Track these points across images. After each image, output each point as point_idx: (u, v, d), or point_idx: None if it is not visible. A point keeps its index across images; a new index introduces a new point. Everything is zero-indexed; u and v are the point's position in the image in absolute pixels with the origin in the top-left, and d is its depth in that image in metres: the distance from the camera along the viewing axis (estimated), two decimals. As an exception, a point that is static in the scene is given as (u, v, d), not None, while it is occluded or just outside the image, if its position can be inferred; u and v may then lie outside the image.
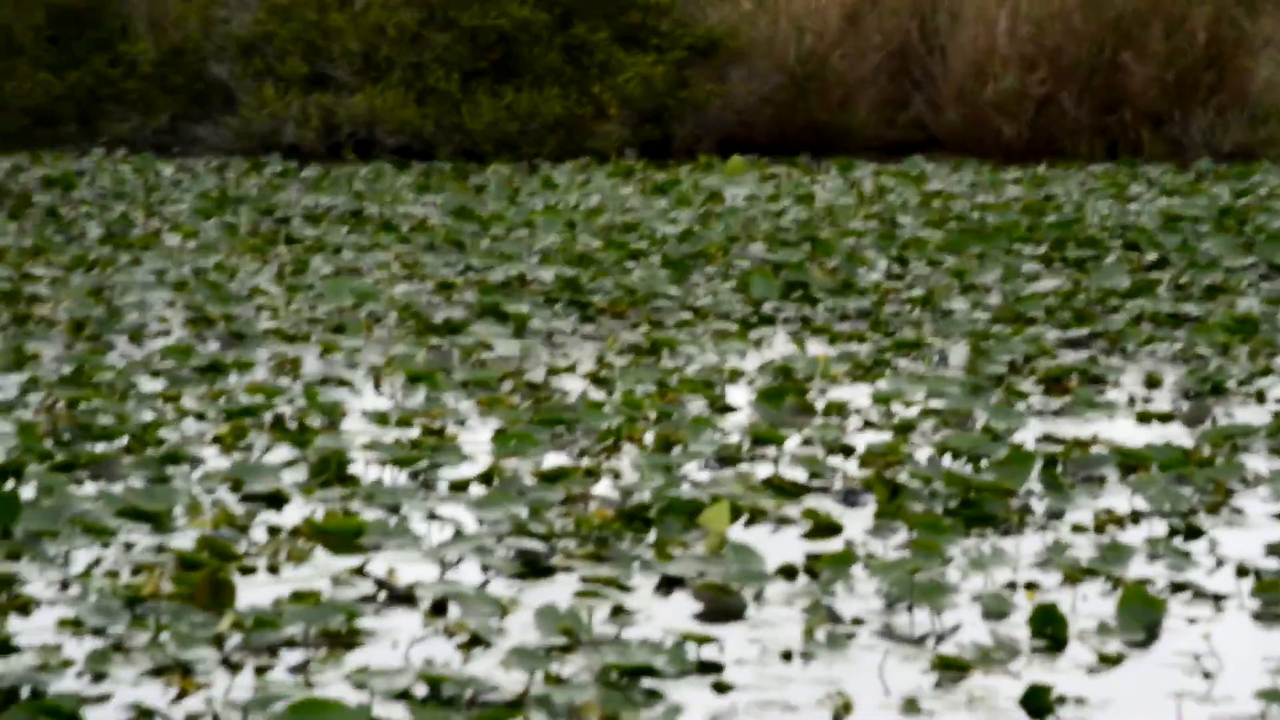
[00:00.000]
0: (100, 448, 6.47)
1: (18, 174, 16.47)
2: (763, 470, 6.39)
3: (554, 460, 6.48)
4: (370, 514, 5.66)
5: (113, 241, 12.00)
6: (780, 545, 5.50)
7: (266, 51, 19.74)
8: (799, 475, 6.34)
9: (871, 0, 20.99)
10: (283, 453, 6.50)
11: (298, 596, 4.68)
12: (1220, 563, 5.29)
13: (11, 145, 19.10)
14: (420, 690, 4.14)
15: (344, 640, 4.50)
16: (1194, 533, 5.59)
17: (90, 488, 5.98)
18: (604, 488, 6.08)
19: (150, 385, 7.56)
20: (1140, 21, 20.21)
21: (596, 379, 7.93)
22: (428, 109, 19.29)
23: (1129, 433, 6.96)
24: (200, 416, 7.01)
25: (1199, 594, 5.02)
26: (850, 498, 6.10)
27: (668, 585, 5.10)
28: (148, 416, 6.91)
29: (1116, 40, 20.14)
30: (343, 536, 5.35)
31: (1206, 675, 4.42)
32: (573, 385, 7.83)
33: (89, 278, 10.42)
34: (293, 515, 5.67)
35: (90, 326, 8.90)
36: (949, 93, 20.20)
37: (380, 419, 7.01)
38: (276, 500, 5.83)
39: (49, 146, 19.18)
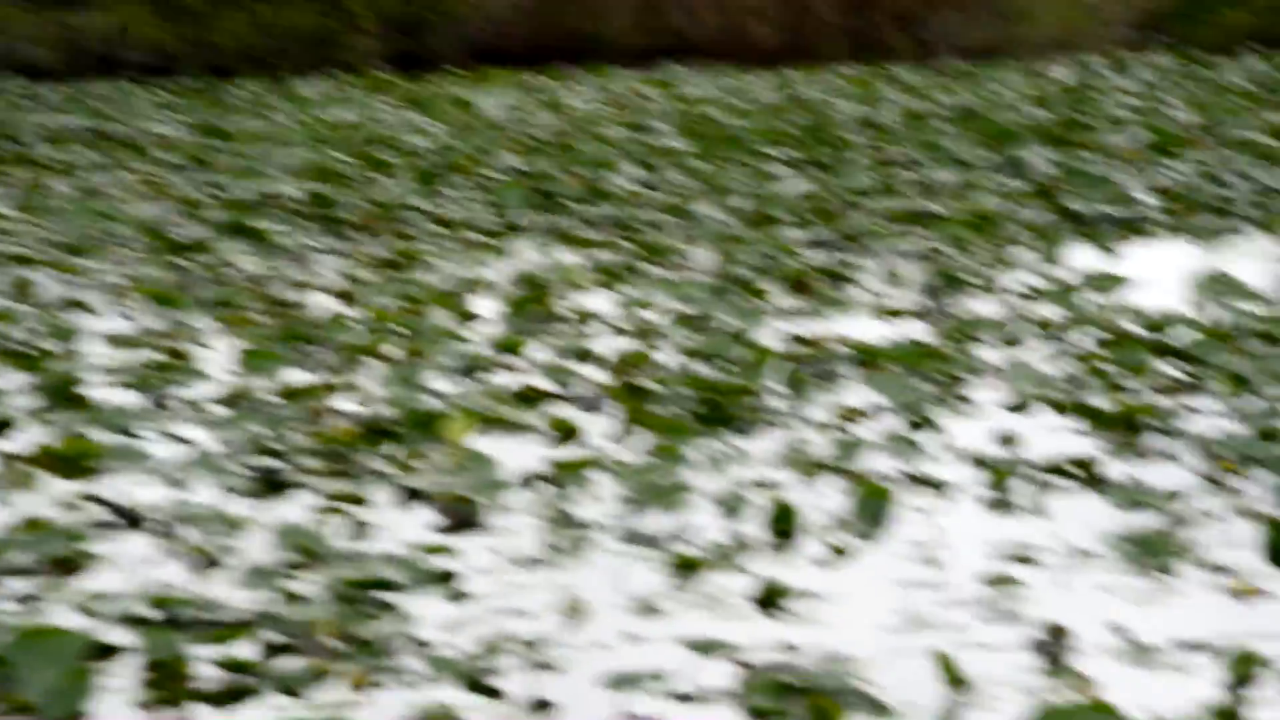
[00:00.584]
0: None
1: None
2: (507, 379, 6.39)
3: (298, 377, 6.42)
4: (103, 438, 5.57)
5: None
6: (522, 453, 5.51)
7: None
8: (543, 383, 6.35)
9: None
10: (14, 378, 6.37)
11: (22, 524, 4.59)
12: (950, 453, 5.39)
13: None
14: (151, 614, 4.09)
15: (71, 566, 4.44)
16: (925, 424, 5.69)
17: None
18: (347, 402, 6.04)
19: None
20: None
21: (343, 294, 7.87)
22: (174, 25, 18.96)
23: (870, 329, 7.05)
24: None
25: (929, 484, 5.11)
26: (593, 403, 6.12)
27: (408, 498, 5.08)
28: None
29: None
30: (71, 461, 5.26)
31: (933, 563, 4.50)
32: (320, 302, 7.76)
33: None
34: (21, 442, 5.56)
35: None
36: (703, 1, 20.28)
37: (118, 341, 6.90)
38: (2, 426, 5.71)
39: None
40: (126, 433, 5.67)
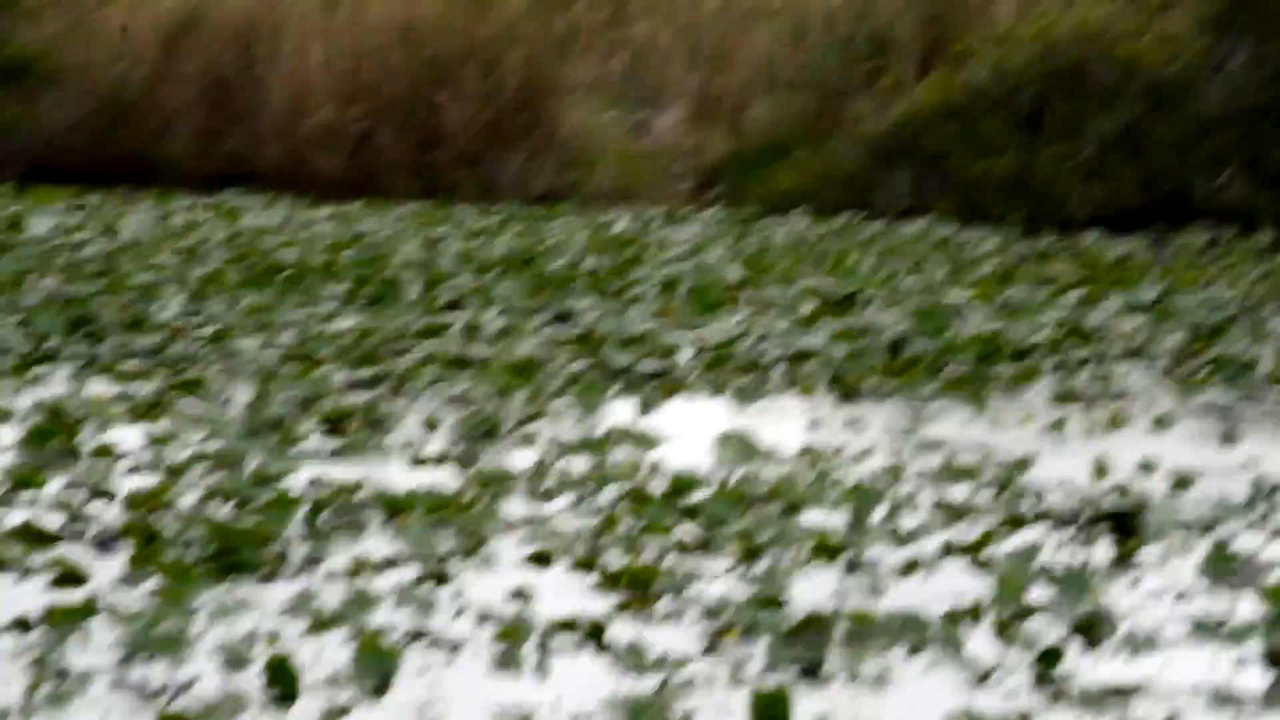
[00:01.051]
0: None
1: None
2: (17, 516, 6.18)
3: None
4: None
5: None
6: (21, 596, 5.32)
7: None
8: (55, 521, 6.16)
9: (189, 27, 20.74)
10: None
11: None
12: (462, 610, 5.36)
13: None
14: None
15: None
16: (442, 578, 5.66)
17: None
18: None
19: None
20: (457, 61, 20.53)
21: None
22: None
23: (402, 477, 7.01)
24: None
25: (436, 641, 5.07)
26: (104, 545, 5.95)
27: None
28: None
29: (434, 79, 20.42)
30: None
31: (433, 725, 4.47)
32: None
33: None
34: None
35: None
36: (268, 126, 20.12)
37: None
38: None
39: None
40: None
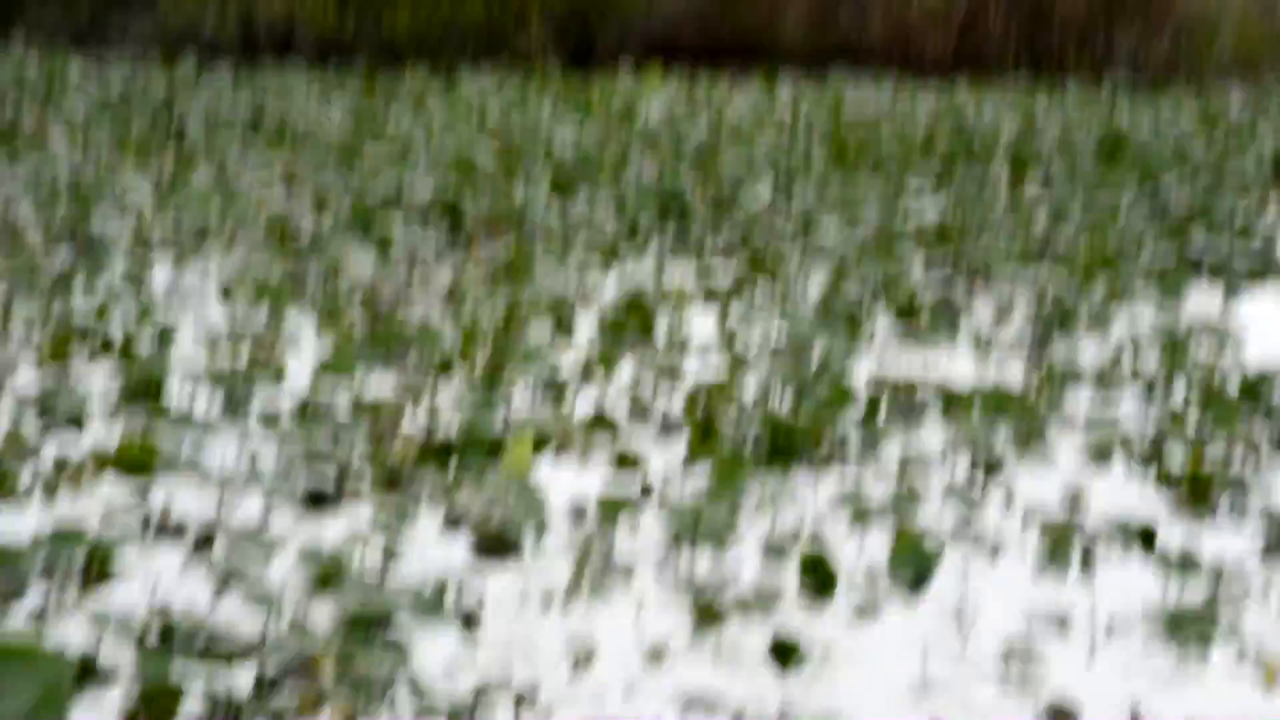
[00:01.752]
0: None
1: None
2: (585, 401, 6.35)
3: (380, 385, 6.43)
4: (167, 443, 5.60)
5: (-6, 140, 11.91)
6: (580, 482, 5.47)
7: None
8: (623, 407, 6.30)
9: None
10: (100, 376, 6.44)
11: (59, 530, 4.62)
12: (1010, 507, 5.27)
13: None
14: (154, 636, 4.10)
15: (93, 578, 4.46)
16: (994, 474, 5.57)
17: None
18: (418, 418, 6.03)
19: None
20: (1071, -64, 20.09)
21: (447, 302, 7.87)
22: (347, 10, 19.12)
23: (968, 367, 6.93)
24: (28, 333, 6.93)
25: (979, 539, 5.00)
26: (666, 432, 6.06)
27: (450, 524, 5.06)
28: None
29: (1046, -46, 20.04)
30: (130, 464, 5.29)
31: (963, 626, 4.40)
32: (421, 309, 7.76)
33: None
34: (88, 442, 5.61)
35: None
36: (876, 3, 20.10)
37: (212, 339, 6.95)
38: (76, 423, 5.77)
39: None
40: (193, 438, 5.70)
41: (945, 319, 7.77)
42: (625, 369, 6.77)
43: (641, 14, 19.99)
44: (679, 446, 5.85)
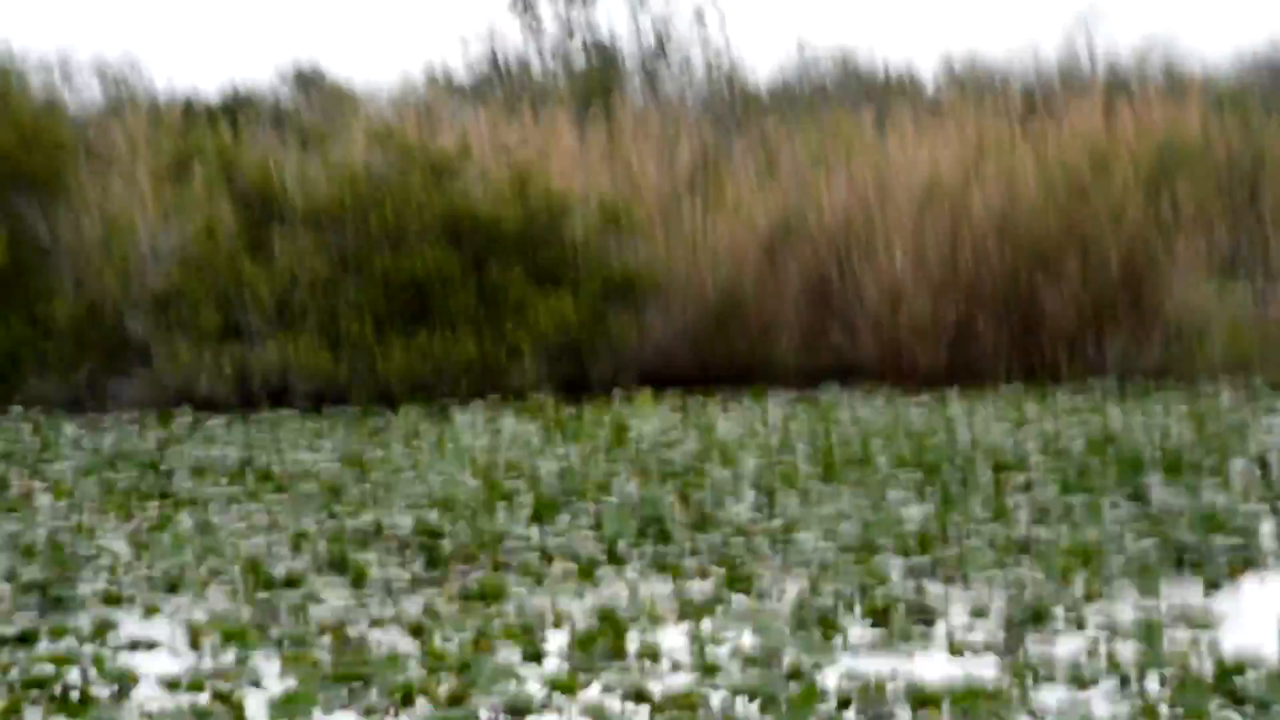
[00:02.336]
0: None
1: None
2: (549, 721, 6.24)
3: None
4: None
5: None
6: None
7: (180, 305, 19.74)
8: (584, 726, 6.19)
9: (787, 233, 21.13)
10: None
11: None
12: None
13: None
14: None
15: None
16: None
17: None
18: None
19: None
20: (1056, 245, 20.29)
21: (416, 630, 7.77)
22: (340, 355, 19.28)
23: (939, 667, 6.81)
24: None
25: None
26: (627, 750, 5.94)
27: None
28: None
29: (1033, 265, 20.22)
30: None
31: None
32: (392, 638, 7.67)
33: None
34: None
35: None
36: (865, 321, 20.25)
37: (173, 685, 6.85)
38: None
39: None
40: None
41: (920, 621, 7.66)
42: (593, 689, 6.66)
43: (634, 344, 20.15)
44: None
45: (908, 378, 19.49)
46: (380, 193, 19.94)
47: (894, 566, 8.81)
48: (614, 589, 8.68)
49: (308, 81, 24.76)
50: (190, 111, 24.78)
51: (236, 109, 25.86)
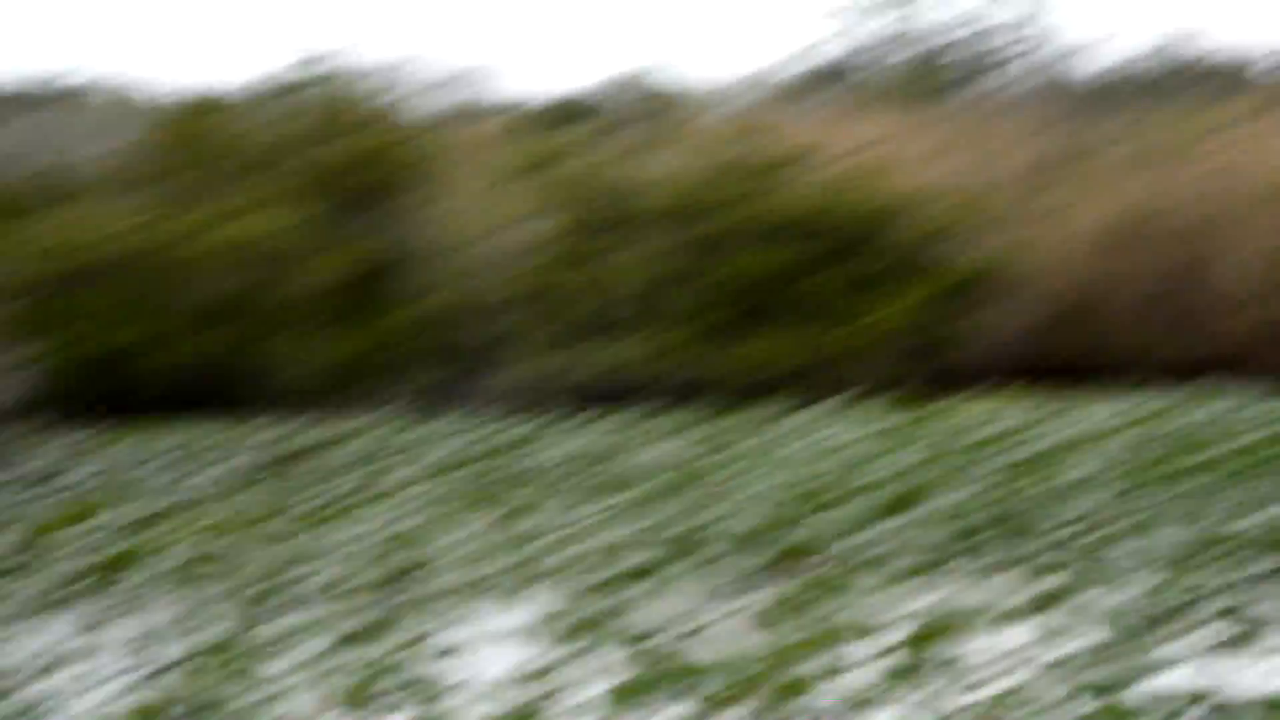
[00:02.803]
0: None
1: (287, 439, 16.90)
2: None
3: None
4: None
5: (332, 506, 12.28)
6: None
7: (543, 302, 20.16)
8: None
9: (1140, 223, 20.77)
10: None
11: None
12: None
13: (306, 406, 19.57)
14: None
15: None
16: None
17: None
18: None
19: (287, 660, 7.64)
20: None
21: (758, 624, 7.90)
22: (693, 352, 19.50)
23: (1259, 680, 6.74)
24: (318, 687, 7.08)
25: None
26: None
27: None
28: (261, 695, 7.01)
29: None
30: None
31: None
32: (733, 631, 7.81)
33: (284, 546, 10.60)
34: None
35: (253, 596, 9.01)
36: (1210, 319, 19.82)
37: (512, 677, 7.06)
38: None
39: (341, 407, 19.59)
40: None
41: (1252, 628, 7.55)
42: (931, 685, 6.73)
43: (981, 338, 20.00)
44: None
45: (1258, 374, 19.04)
46: (716, 194, 20.13)
47: (1228, 574, 8.68)
48: (957, 585, 8.71)
49: (640, 86, 25.11)
50: (535, 116, 25.27)
51: (576, 114, 26.29)
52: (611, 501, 11.87)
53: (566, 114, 26.46)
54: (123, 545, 10.56)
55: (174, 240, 19.98)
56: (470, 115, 24.14)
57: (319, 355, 20.16)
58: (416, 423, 17.93)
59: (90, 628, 8.40)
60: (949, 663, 7.18)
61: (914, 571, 9.12)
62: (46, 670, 7.52)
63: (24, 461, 15.39)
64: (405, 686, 6.99)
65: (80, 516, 11.64)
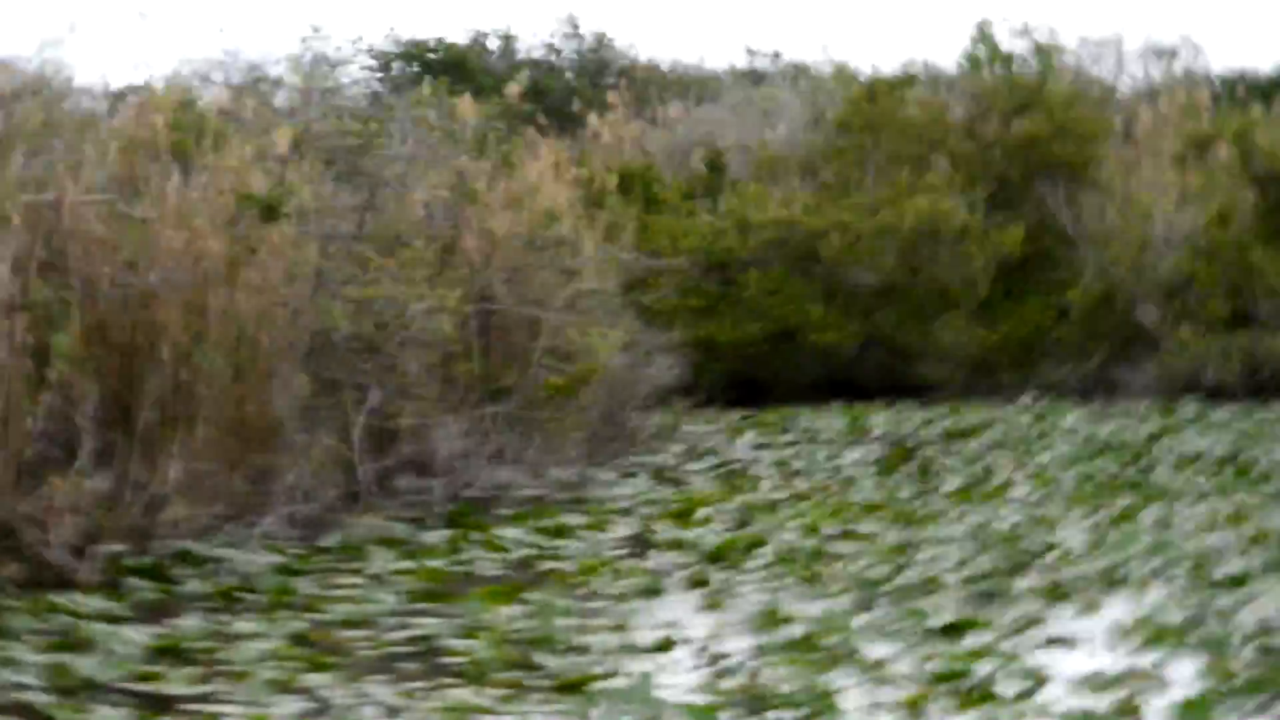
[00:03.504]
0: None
1: (925, 426, 16.99)
2: None
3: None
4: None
5: (959, 494, 12.30)
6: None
7: (1189, 293, 19.68)
8: None
9: None
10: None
11: None
12: None
13: (949, 396, 19.64)
14: None
15: None
16: None
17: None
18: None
19: (878, 649, 7.70)
20: None
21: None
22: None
23: None
24: (896, 682, 7.08)
25: None
26: None
27: None
28: (840, 682, 7.07)
29: None
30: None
31: None
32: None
33: (902, 533, 10.68)
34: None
35: (863, 585, 9.09)
36: None
37: (1083, 685, 6.94)
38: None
39: (984, 396, 19.58)
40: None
41: None
42: None
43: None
44: None
45: None
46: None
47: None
48: None
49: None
50: (1226, 92, 24.38)
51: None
52: (1235, 500, 11.50)
53: (1269, 88, 25.42)
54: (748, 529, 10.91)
55: (838, 224, 20.23)
56: (1168, 90, 23.39)
57: (968, 341, 20.13)
58: (1063, 409, 17.76)
59: (707, 607, 8.65)
60: None
61: None
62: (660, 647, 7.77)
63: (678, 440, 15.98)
64: (963, 692, 6.93)
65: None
